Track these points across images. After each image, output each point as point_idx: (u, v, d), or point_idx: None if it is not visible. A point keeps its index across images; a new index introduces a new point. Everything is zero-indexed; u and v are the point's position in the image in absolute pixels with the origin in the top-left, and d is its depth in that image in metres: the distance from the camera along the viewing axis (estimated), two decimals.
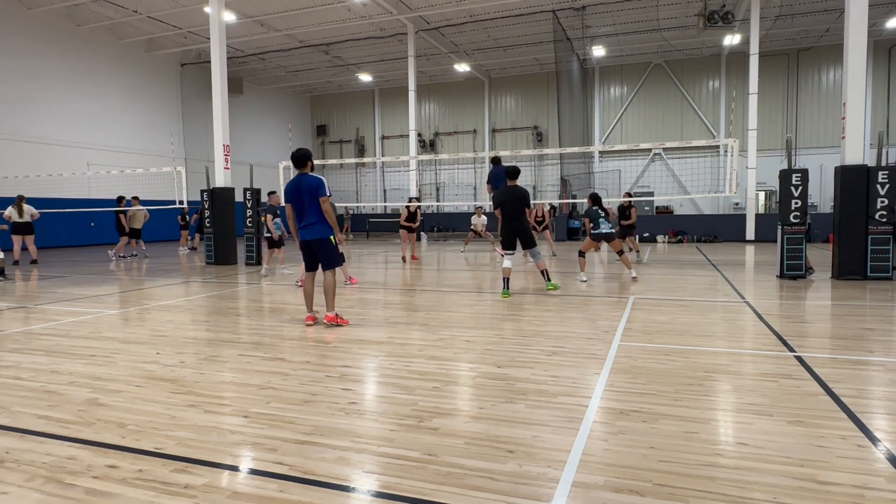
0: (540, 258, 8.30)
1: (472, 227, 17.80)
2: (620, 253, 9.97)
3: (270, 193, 11.24)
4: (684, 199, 25.96)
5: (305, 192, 5.90)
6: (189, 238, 18.18)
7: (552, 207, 17.14)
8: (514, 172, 8.19)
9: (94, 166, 20.99)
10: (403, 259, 13.89)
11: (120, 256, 15.36)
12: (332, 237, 6.00)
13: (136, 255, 15.92)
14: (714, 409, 3.51)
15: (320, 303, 6.49)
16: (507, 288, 8.06)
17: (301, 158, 5.98)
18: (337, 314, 6.14)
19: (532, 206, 11.24)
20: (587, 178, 26.08)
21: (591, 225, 9.74)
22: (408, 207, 13.96)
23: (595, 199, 9.88)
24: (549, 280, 8.27)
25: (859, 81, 9.52)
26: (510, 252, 8.20)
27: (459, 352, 4.93)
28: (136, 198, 15.95)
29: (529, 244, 8.21)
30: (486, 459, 2.76)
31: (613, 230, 9.76)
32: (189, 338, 5.70)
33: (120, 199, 15.77)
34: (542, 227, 15.50)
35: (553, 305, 7.31)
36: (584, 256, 9.73)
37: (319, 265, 6.18)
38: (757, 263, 12.63)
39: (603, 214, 9.72)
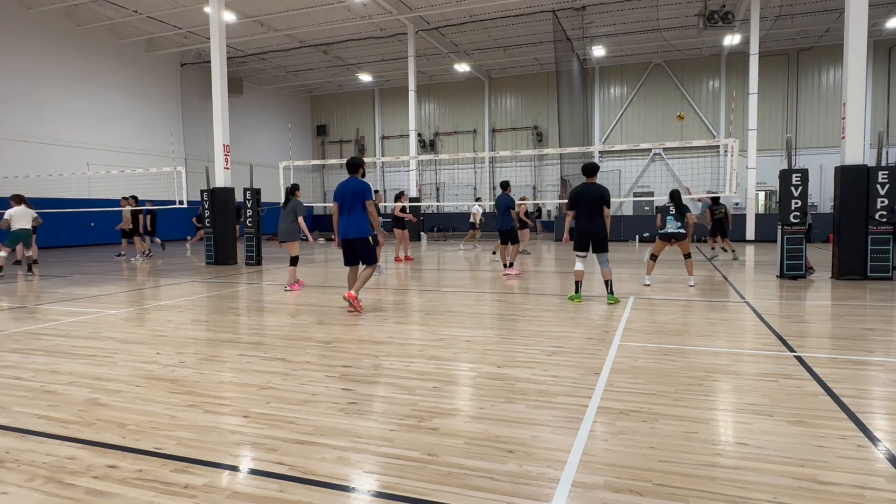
0: (608, 266, 7.52)
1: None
2: (687, 256, 9.00)
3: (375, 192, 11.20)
4: (684, 199, 25.95)
5: (350, 194, 6.65)
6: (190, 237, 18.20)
7: (537, 208, 17.14)
8: (592, 169, 7.44)
9: (94, 166, 20.99)
10: (397, 259, 13.80)
11: (145, 254, 15.51)
12: (370, 237, 6.75)
13: (124, 255, 15.88)
14: (714, 409, 3.51)
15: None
16: (579, 291, 7.55)
17: (354, 166, 6.83)
18: (357, 297, 6.82)
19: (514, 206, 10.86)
20: None
21: (660, 224, 8.87)
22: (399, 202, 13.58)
23: (672, 196, 8.92)
24: (611, 293, 7.43)
25: (859, 81, 9.52)
26: (582, 254, 7.54)
27: (459, 352, 4.93)
28: (125, 198, 15.88)
29: (601, 248, 7.47)
30: (486, 459, 2.76)
31: (683, 230, 8.74)
32: (189, 338, 5.70)
33: (135, 199, 15.71)
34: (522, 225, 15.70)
35: (553, 305, 7.30)
36: (654, 259, 8.96)
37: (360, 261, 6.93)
38: (757, 263, 12.63)
39: (674, 212, 8.73)
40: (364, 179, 6.82)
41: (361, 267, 6.99)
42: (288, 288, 8.91)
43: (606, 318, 6.37)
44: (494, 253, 14.13)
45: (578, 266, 7.58)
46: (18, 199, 11.54)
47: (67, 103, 20.54)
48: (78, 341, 5.53)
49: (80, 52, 20.99)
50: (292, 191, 9.16)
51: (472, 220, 18.53)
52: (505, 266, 10.77)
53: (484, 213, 18.71)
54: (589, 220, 7.37)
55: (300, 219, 9.02)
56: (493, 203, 11.81)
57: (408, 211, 13.79)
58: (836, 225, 9.70)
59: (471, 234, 18.64)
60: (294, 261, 9.12)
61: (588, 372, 4.24)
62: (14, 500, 2.44)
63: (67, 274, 11.84)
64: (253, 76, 29.02)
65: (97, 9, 19.88)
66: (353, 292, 6.77)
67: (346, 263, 6.93)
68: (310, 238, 9.69)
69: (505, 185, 11.01)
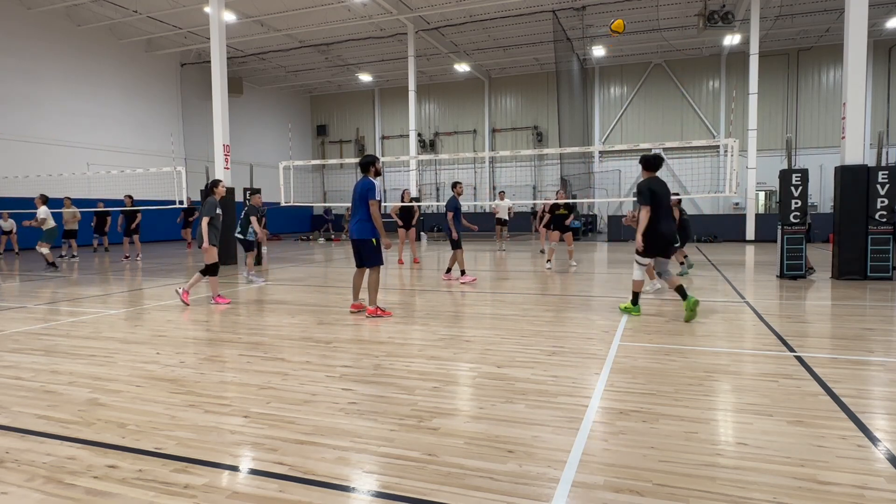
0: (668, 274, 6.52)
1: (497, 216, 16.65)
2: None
3: (253, 194, 10.65)
4: (684, 199, 25.94)
5: (358, 194, 6.60)
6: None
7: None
8: (654, 162, 6.30)
9: (94, 166, 20.98)
10: (400, 262, 13.20)
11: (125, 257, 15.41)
12: (374, 239, 6.55)
13: (76, 257, 15.61)
14: (714, 409, 3.51)
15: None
16: (636, 303, 6.54)
17: (364, 165, 6.77)
18: (378, 307, 6.65)
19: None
20: (587, 178, 26.08)
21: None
22: (401, 200, 12.89)
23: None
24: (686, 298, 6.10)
25: (859, 81, 9.52)
26: (647, 263, 6.48)
27: (459, 352, 4.93)
28: (67, 198, 15.74)
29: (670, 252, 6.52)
30: (486, 459, 2.76)
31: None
32: (189, 338, 5.70)
33: (130, 199, 15.69)
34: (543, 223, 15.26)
35: (553, 305, 7.31)
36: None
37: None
38: (757, 263, 12.63)
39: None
40: (372, 179, 6.63)
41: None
42: (213, 301, 7.68)
43: (606, 318, 6.37)
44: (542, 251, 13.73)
45: (637, 274, 6.54)
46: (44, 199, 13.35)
47: (67, 103, 20.53)
48: (78, 341, 5.53)
49: (80, 52, 20.97)
50: (210, 188, 7.73)
51: (499, 215, 17.26)
52: (448, 271, 9.91)
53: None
54: (669, 220, 6.32)
55: (203, 221, 7.48)
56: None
57: (407, 206, 13.05)
58: (836, 225, 9.70)
59: (498, 231, 17.32)
60: (210, 269, 7.59)
61: (588, 372, 4.24)
62: (14, 500, 2.44)
63: (67, 274, 11.84)
64: (253, 76, 29.02)
65: (97, 9, 19.87)
66: (370, 307, 6.57)
67: (356, 265, 6.86)
68: (205, 243, 7.58)
69: (453, 186, 10.03)
